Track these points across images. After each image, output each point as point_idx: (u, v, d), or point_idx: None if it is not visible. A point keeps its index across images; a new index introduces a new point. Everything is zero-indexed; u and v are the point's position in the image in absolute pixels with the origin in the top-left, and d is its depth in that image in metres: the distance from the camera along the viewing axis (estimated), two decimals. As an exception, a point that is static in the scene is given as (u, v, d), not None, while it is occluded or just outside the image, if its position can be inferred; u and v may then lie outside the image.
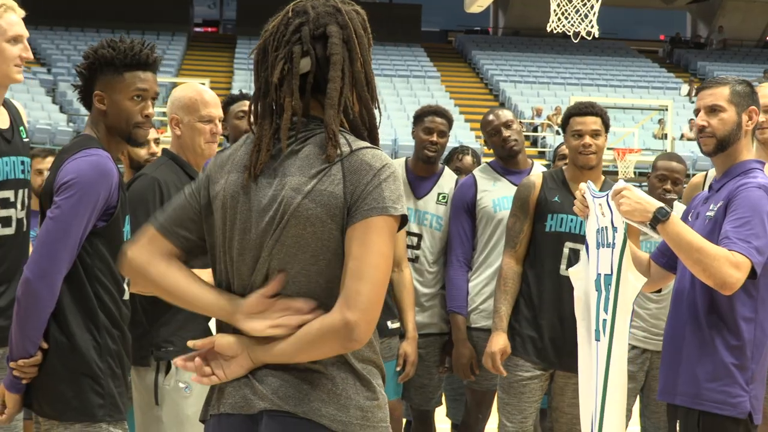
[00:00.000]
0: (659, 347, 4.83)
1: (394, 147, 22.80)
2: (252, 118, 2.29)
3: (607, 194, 3.59)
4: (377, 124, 2.29)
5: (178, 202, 2.34)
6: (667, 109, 23.37)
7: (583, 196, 3.78)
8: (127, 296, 3.20)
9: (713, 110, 3.45)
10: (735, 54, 35.28)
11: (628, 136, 23.57)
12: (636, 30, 41.42)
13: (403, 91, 28.12)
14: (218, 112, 3.87)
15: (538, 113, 26.34)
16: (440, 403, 5.18)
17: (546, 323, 4.34)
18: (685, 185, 4.97)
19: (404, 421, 5.52)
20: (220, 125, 3.89)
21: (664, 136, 23.10)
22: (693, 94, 29.31)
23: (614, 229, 3.64)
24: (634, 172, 20.91)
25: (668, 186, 4.85)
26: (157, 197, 3.65)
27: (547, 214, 4.40)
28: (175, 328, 3.62)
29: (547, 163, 22.10)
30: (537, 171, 4.86)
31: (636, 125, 24.18)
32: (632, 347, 4.88)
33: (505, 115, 4.98)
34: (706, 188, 3.65)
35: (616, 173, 21.38)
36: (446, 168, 5.20)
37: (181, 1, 39.13)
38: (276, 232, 2.15)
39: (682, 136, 25.06)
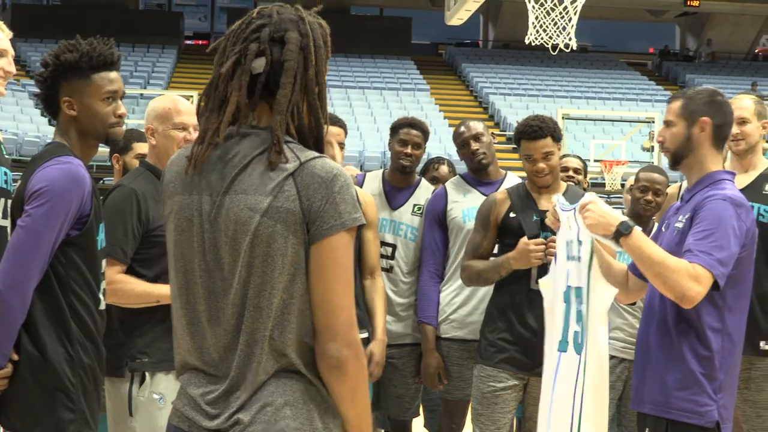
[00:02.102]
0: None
1: (383, 159, 22.83)
2: (199, 111, 2.30)
3: (575, 207, 3.63)
4: (324, 135, 2.30)
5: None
6: (654, 122, 23.42)
7: (555, 209, 3.83)
8: (103, 306, 3.17)
9: (667, 124, 3.53)
10: (723, 66, 35.41)
11: (616, 148, 23.62)
12: (625, 43, 41.54)
13: (393, 104, 28.16)
14: (192, 120, 3.86)
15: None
16: (417, 414, 5.20)
17: (519, 334, 4.37)
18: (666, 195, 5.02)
19: (381, 431, 5.54)
20: (195, 133, 3.89)
21: (652, 149, 23.14)
22: (681, 106, 29.39)
23: (579, 242, 3.69)
24: (622, 184, 20.96)
25: (649, 197, 4.90)
26: (134, 208, 3.66)
27: (512, 231, 4.42)
28: (151, 339, 3.63)
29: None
30: (510, 182, 4.89)
31: (624, 137, 24.24)
32: (611, 357, 4.91)
33: (475, 127, 4.99)
34: (679, 199, 3.68)
35: (603, 185, 21.43)
36: (423, 180, 5.24)
37: (172, 14, 39.20)
38: (244, 255, 2.17)
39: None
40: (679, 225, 3.40)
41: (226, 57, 2.27)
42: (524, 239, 4.25)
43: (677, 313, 3.35)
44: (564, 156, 6.00)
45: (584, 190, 5.56)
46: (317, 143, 2.29)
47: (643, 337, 3.49)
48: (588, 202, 3.52)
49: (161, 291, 3.59)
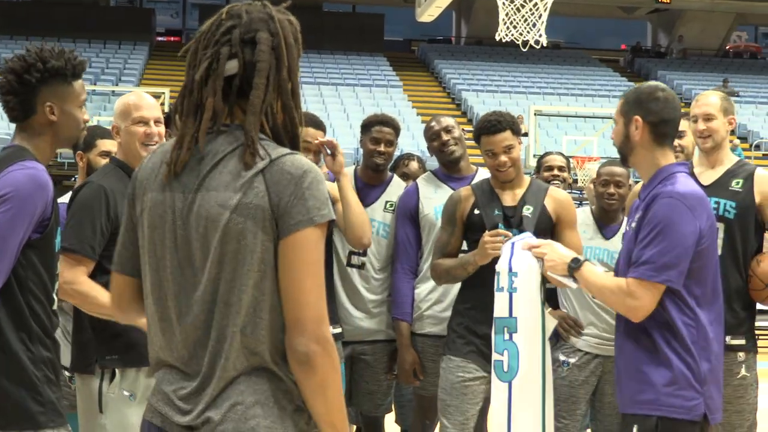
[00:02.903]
0: (611, 352, 4.91)
1: (356, 156, 22.82)
2: (177, 116, 2.31)
3: (513, 242, 3.90)
4: (299, 133, 2.31)
5: (121, 235, 2.41)
6: (626, 118, 23.51)
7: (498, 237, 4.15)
8: (55, 306, 3.18)
9: (615, 122, 3.62)
10: (695, 63, 35.62)
11: (588, 145, 23.72)
12: (598, 39, 41.72)
13: (366, 101, 28.15)
14: (152, 113, 3.87)
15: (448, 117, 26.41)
16: (390, 410, 5.22)
17: (485, 330, 4.39)
18: (631, 187, 5.05)
19: (354, 427, 5.55)
20: (157, 127, 3.89)
21: (624, 145, 23.25)
22: (653, 102, 29.52)
23: (512, 273, 3.91)
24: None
25: (611, 189, 4.94)
26: (103, 205, 3.66)
27: (477, 227, 4.44)
28: (121, 336, 3.62)
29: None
30: (481, 177, 4.90)
31: (596, 133, 24.35)
32: (584, 353, 4.94)
33: (446, 120, 5.02)
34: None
35: (575, 181, 21.52)
36: (395, 176, 5.25)
37: (143, 10, 39.01)
38: (215, 251, 2.17)
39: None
40: (633, 225, 3.45)
41: (198, 61, 2.27)
42: (486, 234, 4.28)
43: (651, 312, 3.38)
44: (547, 154, 6.09)
45: (569, 186, 5.60)
46: (292, 142, 2.30)
47: (622, 339, 3.50)
48: (539, 244, 3.72)
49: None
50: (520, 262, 3.79)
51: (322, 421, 2.20)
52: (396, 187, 5.11)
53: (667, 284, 3.30)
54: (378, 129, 5.03)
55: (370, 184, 5.07)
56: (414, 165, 5.86)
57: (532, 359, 3.80)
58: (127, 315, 2.47)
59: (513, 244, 3.85)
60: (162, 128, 3.92)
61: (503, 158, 4.41)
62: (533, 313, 3.85)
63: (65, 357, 3.80)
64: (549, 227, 4.46)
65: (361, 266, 4.96)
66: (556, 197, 4.55)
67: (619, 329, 3.53)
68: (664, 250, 3.30)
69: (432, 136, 4.99)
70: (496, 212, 4.43)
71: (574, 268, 3.55)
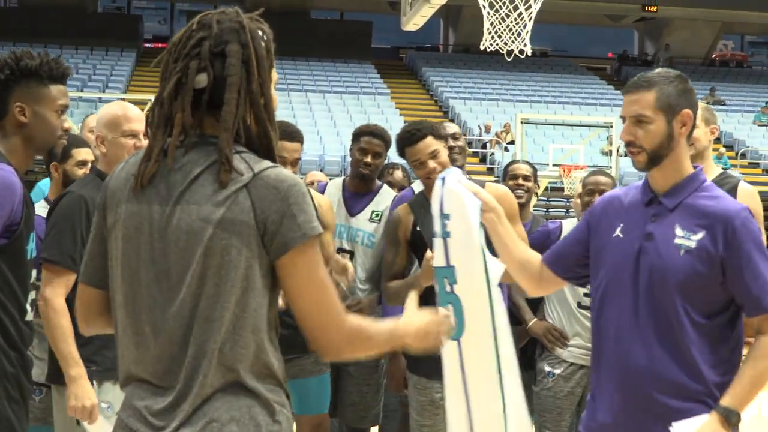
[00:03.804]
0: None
1: (343, 164, 22.79)
2: (148, 128, 2.28)
3: (443, 177, 3.31)
4: (273, 146, 2.27)
5: (89, 246, 2.37)
6: (612, 126, 23.57)
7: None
8: (29, 317, 3.11)
9: (639, 121, 3.04)
10: (682, 71, 35.35)
11: (575, 153, 23.75)
12: (585, 47, 41.83)
13: (353, 108, 28.14)
14: (142, 127, 3.83)
15: (487, 130, 26.48)
16: (376, 422, 5.18)
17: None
18: None
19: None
20: (145, 140, 3.86)
21: (611, 153, 23.31)
22: (640, 110, 29.59)
23: (443, 216, 3.27)
24: (581, 188, 21.07)
25: (596, 198, 4.93)
26: (83, 214, 3.64)
27: (422, 244, 4.31)
28: (98, 347, 3.61)
29: (495, 179, 22.24)
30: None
31: (583, 141, 24.38)
32: (569, 364, 4.93)
33: (452, 127, 5.02)
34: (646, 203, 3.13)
35: (562, 189, 21.55)
36: (384, 186, 5.22)
37: (131, 17, 38.96)
38: (196, 266, 2.14)
39: (626, 153, 25.30)
40: (688, 243, 2.95)
41: (169, 74, 2.23)
42: (428, 254, 4.03)
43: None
44: (513, 162, 5.91)
45: (536, 195, 5.52)
46: (268, 155, 2.26)
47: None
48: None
49: (75, 360, 3.57)
50: (451, 202, 3.22)
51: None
52: (385, 197, 5.10)
53: None
54: (367, 140, 5.02)
55: (357, 193, 5.06)
56: (398, 174, 5.85)
57: (479, 314, 3.17)
58: (93, 327, 2.43)
59: (443, 180, 3.27)
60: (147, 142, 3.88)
61: (431, 164, 4.30)
62: (473, 260, 3.18)
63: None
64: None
65: (351, 254, 4.95)
66: (494, 194, 4.45)
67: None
68: None
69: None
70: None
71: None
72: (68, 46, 30.38)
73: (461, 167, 4.93)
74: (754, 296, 2.93)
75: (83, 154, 4.49)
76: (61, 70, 3.14)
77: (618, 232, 3.08)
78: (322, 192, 5.11)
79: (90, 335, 2.49)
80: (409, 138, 4.35)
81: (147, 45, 36.95)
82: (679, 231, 2.98)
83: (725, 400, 2.91)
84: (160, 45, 40.06)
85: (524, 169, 5.70)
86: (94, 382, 3.61)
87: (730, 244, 2.93)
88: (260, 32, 2.28)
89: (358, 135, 5.08)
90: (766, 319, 2.95)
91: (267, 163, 2.20)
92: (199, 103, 2.21)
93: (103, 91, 26.48)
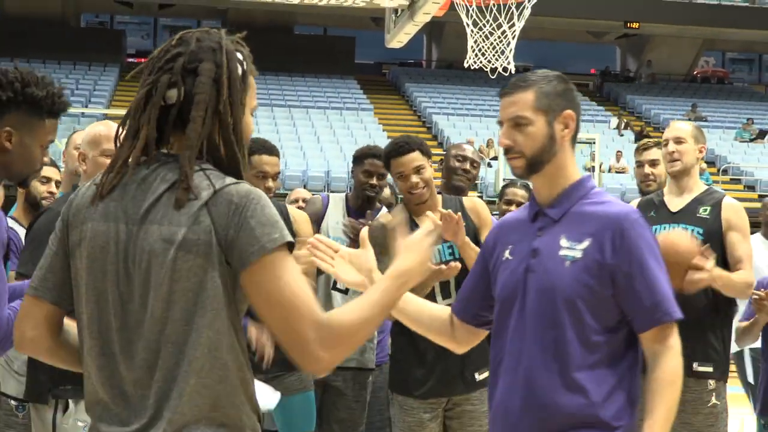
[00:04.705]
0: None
1: (327, 179, 22.75)
2: (116, 139, 2.25)
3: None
4: (241, 169, 2.21)
5: (46, 260, 2.29)
6: (595, 142, 23.65)
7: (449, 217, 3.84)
8: None
9: (516, 123, 2.81)
10: (663, 88, 35.89)
11: (559, 169, 23.81)
12: (567, 63, 41.94)
13: (336, 123, 28.14)
14: None
15: (470, 145, 26.52)
16: (363, 440, 5.16)
17: (431, 356, 4.33)
18: None
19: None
20: None
21: (593, 168, 23.37)
22: (622, 127, 29.73)
23: None
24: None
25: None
26: None
27: None
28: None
29: (479, 194, 22.25)
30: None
31: (566, 157, 24.43)
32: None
33: (468, 148, 5.18)
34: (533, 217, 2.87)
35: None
36: (384, 208, 5.28)
37: (114, 31, 38.88)
38: (160, 288, 2.08)
39: (610, 168, 25.39)
40: (573, 253, 2.70)
41: (140, 87, 2.21)
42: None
43: None
44: (510, 185, 5.77)
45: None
46: (235, 176, 2.20)
47: None
48: None
49: None
50: None
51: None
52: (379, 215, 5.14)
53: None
54: (371, 162, 5.06)
55: (359, 211, 5.10)
56: (386, 192, 5.88)
57: None
58: (35, 347, 2.31)
59: None
60: None
61: (414, 179, 4.35)
62: None
63: (8, 386, 3.73)
64: (473, 236, 4.37)
65: (345, 291, 4.95)
66: (471, 206, 4.53)
67: None
68: (667, 281, 2.78)
69: (459, 157, 5.02)
70: None
71: None
72: (51, 60, 30.29)
73: (463, 190, 4.98)
74: (647, 306, 2.65)
75: (49, 171, 4.46)
76: (61, 107, 3.01)
77: (507, 254, 2.83)
78: (326, 207, 5.12)
79: (22, 352, 2.37)
80: (396, 150, 4.40)
81: (130, 60, 36.88)
82: (564, 242, 2.71)
83: None
84: (143, 60, 39.97)
85: (520, 196, 5.55)
86: (71, 401, 3.57)
87: (618, 249, 2.65)
88: (239, 55, 2.24)
89: (361, 157, 5.11)
90: (661, 334, 2.66)
91: (229, 180, 2.15)
92: (168, 119, 2.18)
93: (86, 106, 26.40)
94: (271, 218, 2.11)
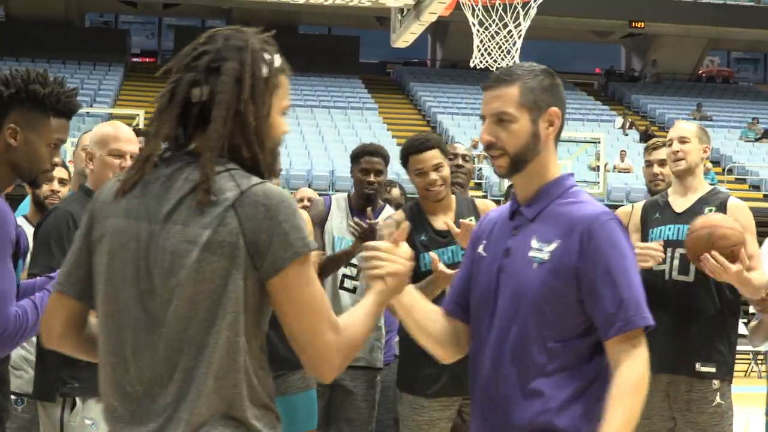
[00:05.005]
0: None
1: (331, 179, 22.80)
2: (144, 135, 2.26)
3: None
4: (263, 170, 2.19)
5: (71, 255, 2.28)
6: (600, 142, 23.65)
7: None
8: None
9: (500, 119, 2.66)
10: (668, 87, 35.86)
11: (563, 168, 23.83)
12: (572, 63, 41.94)
13: (341, 123, 28.16)
14: (130, 147, 3.82)
15: (475, 145, 26.50)
16: (371, 440, 5.17)
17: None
18: None
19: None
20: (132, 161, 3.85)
21: (598, 168, 23.38)
22: (627, 126, 29.72)
23: None
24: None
25: None
26: (72, 229, 3.62)
27: (420, 253, 4.32)
28: (82, 364, 3.55)
29: (483, 194, 22.26)
30: (387, 213, 5.01)
31: (570, 157, 24.44)
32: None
33: (462, 148, 5.15)
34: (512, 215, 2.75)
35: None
36: (387, 206, 5.27)
37: (118, 31, 38.92)
38: (184, 289, 2.06)
39: (615, 167, 25.39)
40: (542, 255, 2.57)
41: (167, 84, 2.19)
42: (435, 259, 3.95)
43: None
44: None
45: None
46: (262, 174, 2.18)
47: None
48: None
49: None
50: None
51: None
52: (386, 216, 5.13)
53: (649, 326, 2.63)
54: (367, 159, 5.09)
55: (361, 211, 5.11)
56: (396, 192, 5.92)
57: None
58: (62, 342, 2.32)
59: None
60: None
61: (433, 176, 4.37)
62: None
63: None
64: None
65: (353, 290, 4.97)
66: (483, 207, 4.55)
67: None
68: (639, 285, 2.62)
69: (450, 155, 5.04)
70: (423, 237, 4.39)
71: None
72: (56, 60, 30.33)
73: (463, 186, 4.99)
74: (610, 313, 2.48)
75: (57, 171, 4.49)
76: (69, 106, 3.01)
77: (481, 250, 2.73)
78: (328, 208, 5.15)
79: (50, 347, 2.37)
80: (416, 147, 4.42)
81: (134, 59, 36.95)
82: (534, 243, 2.59)
83: None
84: (147, 59, 40.04)
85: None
86: (77, 399, 3.58)
87: (584, 252, 2.52)
88: (266, 54, 2.21)
89: (357, 156, 5.13)
90: (626, 342, 2.49)
91: (254, 180, 2.12)
92: (192, 118, 2.17)
93: (91, 106, 26.44)
94: (301, 223, 2.11)
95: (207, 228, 2.06)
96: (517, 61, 9.45)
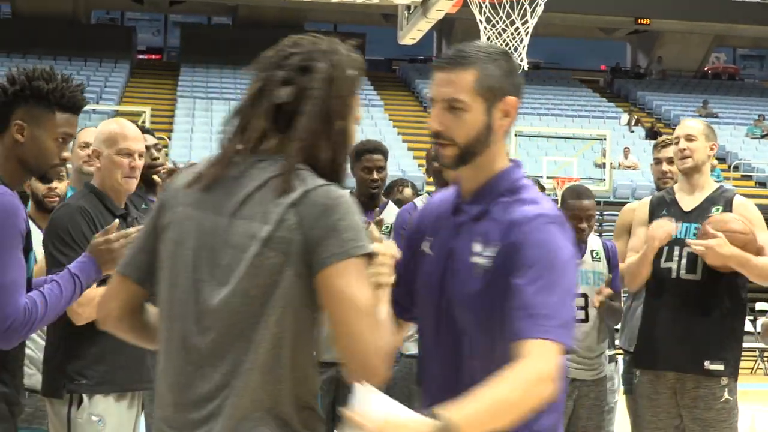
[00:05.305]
0: (587, 376, 4.88)
1: (336, 175, 22.80)
2: (222, 132, 2.25)
3: None
4: (341, 170, 2.21)
5: (138, 240, 2.31)
6: (606, 139, 23.63)
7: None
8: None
9: (452, 107, 2.42)
10: (674, 84, 35.82)
11: (569, 165, 23.80)
12: (577, 60, 41.92)
13: (347, 120, 28.15)
14: (138, 146, 3.82)
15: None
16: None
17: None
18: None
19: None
20: (140, 160, 3.85)
21: (604, 165, 23.36)
22: (633, 123, 29.70)
23: None
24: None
25: (583, 225, 4.85)
26: (84, 223, 3.63)
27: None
28: (89, 361, 3.60)
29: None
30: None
31: (576, 154, 24.43)
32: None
33: None
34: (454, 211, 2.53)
35: (556, 201, 21.54)
36: (390, 203, 5.28)
37: (124, 28, 38.94)
38: (240, 282, 2.08)
39: (620, 165, 25.36)
40: (482, 261, 2.36)
41: (252, 83, 2.21)
42: None
43: None
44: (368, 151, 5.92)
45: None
46: (334, 177, 2.19)
47: None
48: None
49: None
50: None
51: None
52: (390, 211, 5.16)
53: (567, 346, 2.35)
54: (368, 157, 5.12)
55: (365, 209, 5.11)
56: (408, 191, 5.94)
57: None
58: (118, 325, 2.32)
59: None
60: (143, 161, 3.89)
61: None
62: None
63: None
64: None
65: None
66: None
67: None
68: (563, 303, 2.34)
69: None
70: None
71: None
72: (62, 57, 30.37)
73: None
74: (520, 318, 2.22)
75: None
76: (73, 101, 3.04)
77: (427, 248, 2.50)
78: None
79: (104, 329, 2.35)
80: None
81: (140, 56, 36.99)
82: (476, 246, 2.37)
83: (453, 413, 2.06)
84: (153, 56, 40.10)
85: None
86: (85, 395, 3.59)
87: (512, 256, 2.29)
88: (351, 59, 2.26)
89: (358, 153, 5.14)
90: (532, 349, 2.20)
91: (320, 181, 2.14)
92: (278, 118, 2.17)
93: (97, 103, 26.47)
94: (358, 224, 2.11)
95: (268, 224, 2.08)
96: (524, 58, 9.44)
